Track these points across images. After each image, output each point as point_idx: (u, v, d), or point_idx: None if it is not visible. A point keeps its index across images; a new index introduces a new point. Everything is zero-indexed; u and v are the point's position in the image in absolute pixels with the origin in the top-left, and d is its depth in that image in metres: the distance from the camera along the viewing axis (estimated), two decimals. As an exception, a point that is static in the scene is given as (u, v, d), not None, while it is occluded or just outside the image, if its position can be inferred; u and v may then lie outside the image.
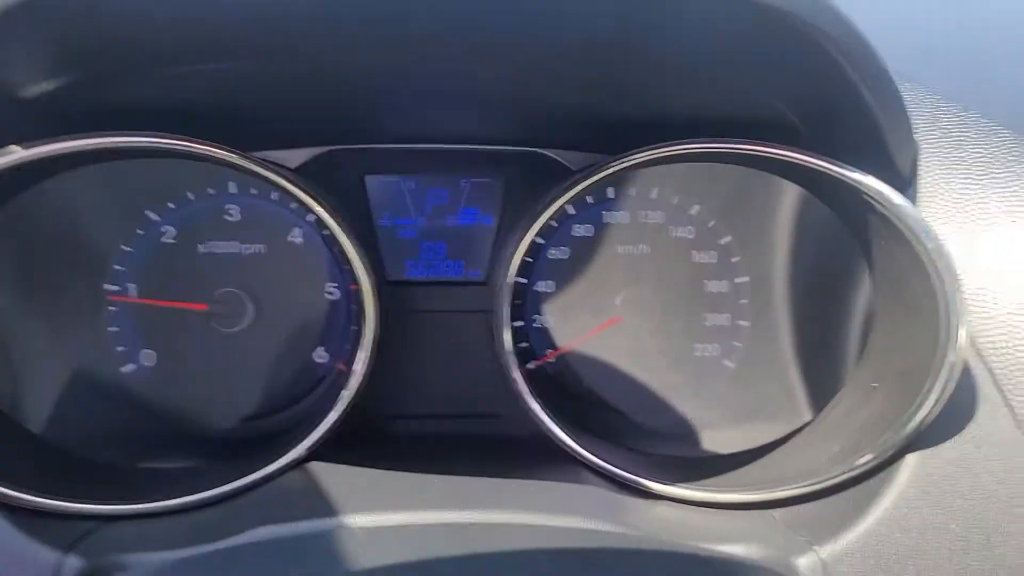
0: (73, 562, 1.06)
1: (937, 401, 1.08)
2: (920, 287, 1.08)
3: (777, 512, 1.21)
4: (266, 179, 1.28)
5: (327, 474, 1.28)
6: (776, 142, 1.16)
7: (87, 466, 1.34)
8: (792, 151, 1.14)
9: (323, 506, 1.15)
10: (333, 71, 1.22)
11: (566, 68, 1.17)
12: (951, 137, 1.27)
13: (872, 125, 1.10)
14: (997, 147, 1.25)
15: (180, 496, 1.21)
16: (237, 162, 1.23)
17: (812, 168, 1.13)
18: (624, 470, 1.30)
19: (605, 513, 1.20)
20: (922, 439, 1.11)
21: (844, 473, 1.15)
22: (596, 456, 1.32)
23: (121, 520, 1.18)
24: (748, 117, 1.19)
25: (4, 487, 1.10)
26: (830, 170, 1.11)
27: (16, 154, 1.09)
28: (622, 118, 1.35)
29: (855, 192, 1.11)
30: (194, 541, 1.09)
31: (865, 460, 1.13)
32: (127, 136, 1.15)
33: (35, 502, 1.12)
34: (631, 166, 1.27)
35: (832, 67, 0.98)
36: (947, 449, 1.11)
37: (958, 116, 1.29)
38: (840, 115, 1.11)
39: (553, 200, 1.35)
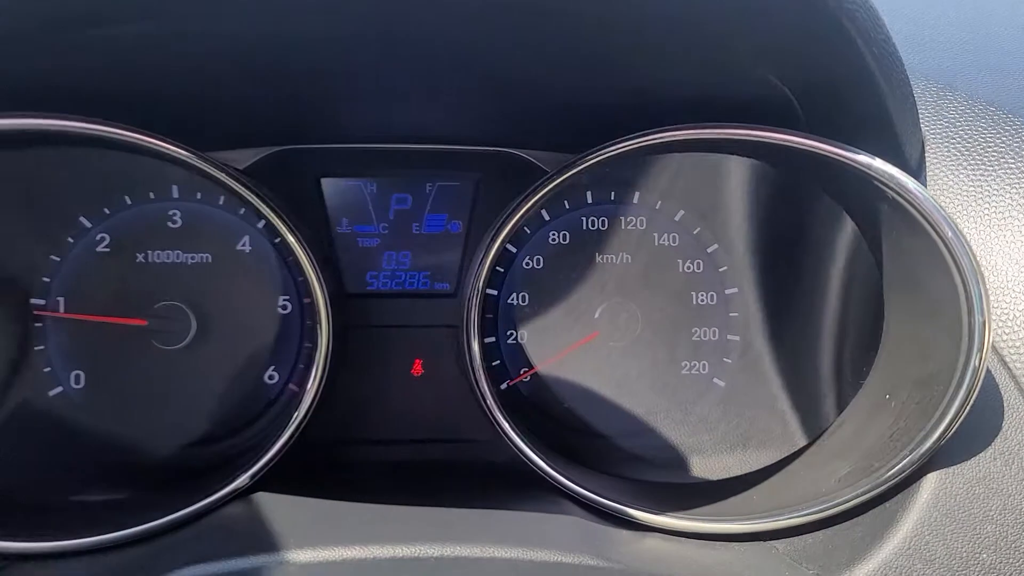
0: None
1: (959, 412, 0.96)
2: (937, 284, 0.97)
3: (780, 543, 1.09)
4: (215, 180, 1.16)
5: (272, 505, 1.15)
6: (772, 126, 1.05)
7: (9, 500, 1.20)
8: (795, 135, 1.02)
9: (265, 540, 1.02)
10: (283, 56, 1.10)
11: (544, 45, 1.06)
12: (958, 127, 1.18)
13: (880, 108, 0.99)
14: (1009, 137, 1.15)
15: (105, 532, 1.08)
16: (185, 158, 1.11)
17: (816, 154, 1.01)
18: (608, 499, 1.17)
19: (589, 546, 1.06)
20: (943, 456, 1.00)
21: (856, 497, 1.03)
22: (577, 484, 1.20)
23: (36, 559, 1.06)
24: (740, 100, 1.08)
25: None
26: (837, 154, 1.00)
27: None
28: (604, 108, 1.24)
29: (863, 179, 1.00)
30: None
31: (879, 482, 1.01)
32: (61, 120, 1.03)
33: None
34: (613, 156, 1.15)
35: (845, 41, 0.88)
36: (972, 467, 0.99)
37: (964, 106, 1.20)
38: (846, 96, 1.01)
39: (526, 202, 1.23)
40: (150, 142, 1.10)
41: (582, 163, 1.16)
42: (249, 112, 1.32)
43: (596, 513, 1.18)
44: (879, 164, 0.98)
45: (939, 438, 0.97)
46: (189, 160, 1.14)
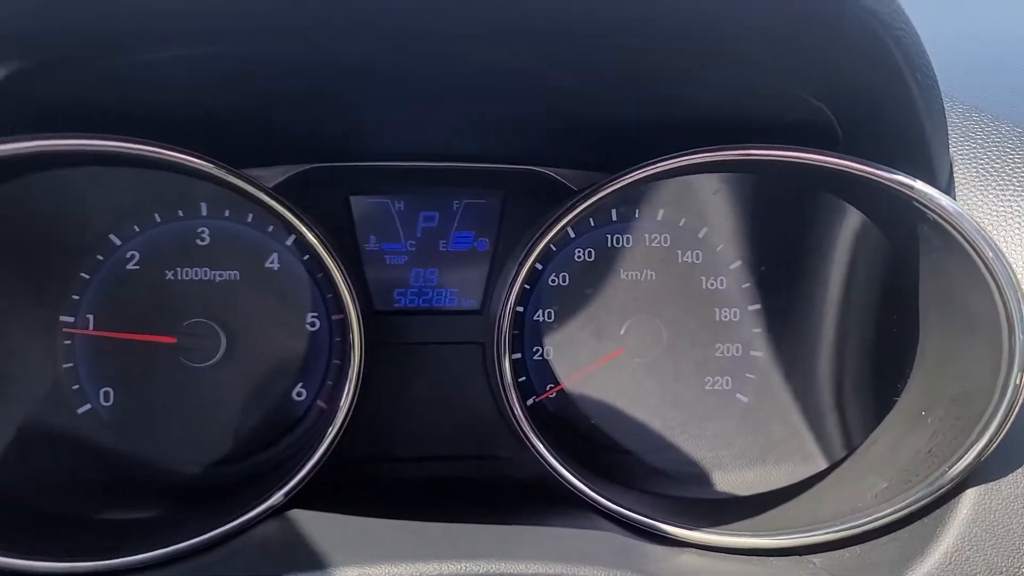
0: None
1: (1000, 429, 0.98)
2: (977, 302, 0.98)
3: (817, 558, 1.09)
4: (249, 196, 1.16)
5: (310, 522, 1.14)
6: (808, 147, 1.06)
7: (39, 519, 1.19)
8: (838, 156, 1.04)
9: (307, 557, 1.02)
10: (314, 77, 1.11)
11: (577, 68, 1.07)
12: (986, 148, 1.19)
13: (917, 130, 1.01)
14: (1036, 157, 1.17)
15: (143, 551, 1.08)
16: (219, 175, 1.11)
17: (856, 175, 1.03)
18: (642, 514, 1.18)
19: (627, 561, 1.07)
20: (982, 472, 1.00)
21: (894, 512, 1.04)
22: (609, 500, 1.20)
23: (76, 579, 1.04)
24: (778, 122, 1.10)
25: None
26: (878, 176, 1.01)
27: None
28: (632, 128, 1.25)
29: (901, 199, 1.01)
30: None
31: (918, 497, 1.02)
32: (94, 139, 1.03)
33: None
34: (645, 178, 1.16)
35: (885, 57, 0.89)
36: (1010, 483, 1.00)
37: (991, 127, 1.21)
38: (886, 118, 1.02)
39: (555, 222, 1.25)
40: (185, 159, 1.10)
41: (619, 182, 1.18)
42: (279, 131, 1.33)
43: (627, 528, 1.19)
44: (920, 185, 1.00)
45: (979, 454, 0.98)
46: (223, 177, 1.14)
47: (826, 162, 1.04)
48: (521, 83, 1.16)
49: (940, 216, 0.99)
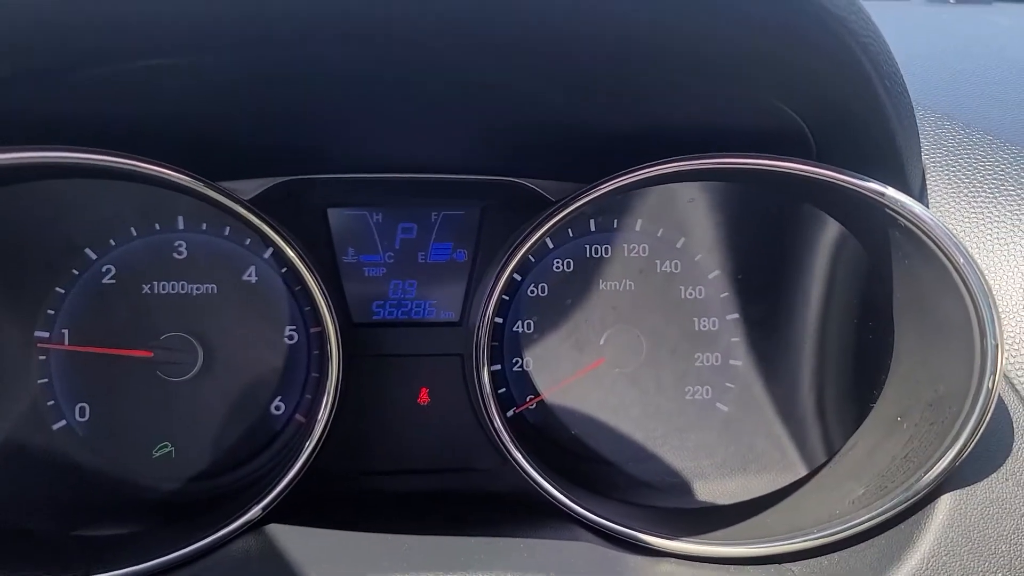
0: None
1: (973, 433, 0.98)
2: (949, 308, 0.99)
3: (796, 566, 1.09)
4: (227, 209, 1.16)
5: (289, 537, 1.14)
6: (781, 155, 1.07)
7: (13, 535, 1.18)
8: (811, 164, 1.05)
9: (287, 572, 1.01)
10: (291, 89, 1.11)
11: (554, 79, 1.07)
12: (957, 156, 1.21)
13: (888, 137, 1.02)
14: (1008, 164, 1.19)
15: (117, 567, 1.07)
16: (197, 188, 1.11)
17: (829, 183, 1.04)
18: (621, 524, 1.17)
19: (607, 572, 1.07)
20: (957, 477, 1.01)
21: (872, 518, 1.04)
22: (588, 510, 1.20)
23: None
24: (752, 130, 1.10)
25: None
26: (851, 183, 1.02)
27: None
28: (609, 138, 1.26)
29: (874, 206, 1.02)
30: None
31: (894, 503, 1.02)
32: (69, 152, 1.03)
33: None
34: (621, 187, 1.17)
35: (853, 64, 0.90)
36: (985, 488, 1.01)
37: (962, 135, 1.23)
38: (857, 126, 1.03)
39: (533, 232, 1.25)
40: (160, 171, 1.10)
41: (595, 191, 1.18)
42: (255, 143, 1.32)
43: (608, 539, 1.18)
44: (892, 192, 1.00)
45: (953, 459, 0.99)
46: (200, 190, 1.14)
47: (799, 170, 1.05)
48: (499, 95, 1.16)
49: (912, 223, 1.00)
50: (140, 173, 1.08)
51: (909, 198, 1.00)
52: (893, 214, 1.01)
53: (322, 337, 1.27)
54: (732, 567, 1.12)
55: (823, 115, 1.04)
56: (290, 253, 1.19)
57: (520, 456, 1.24)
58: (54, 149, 1.04)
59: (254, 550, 1.13)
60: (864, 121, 1.01)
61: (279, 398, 1.43)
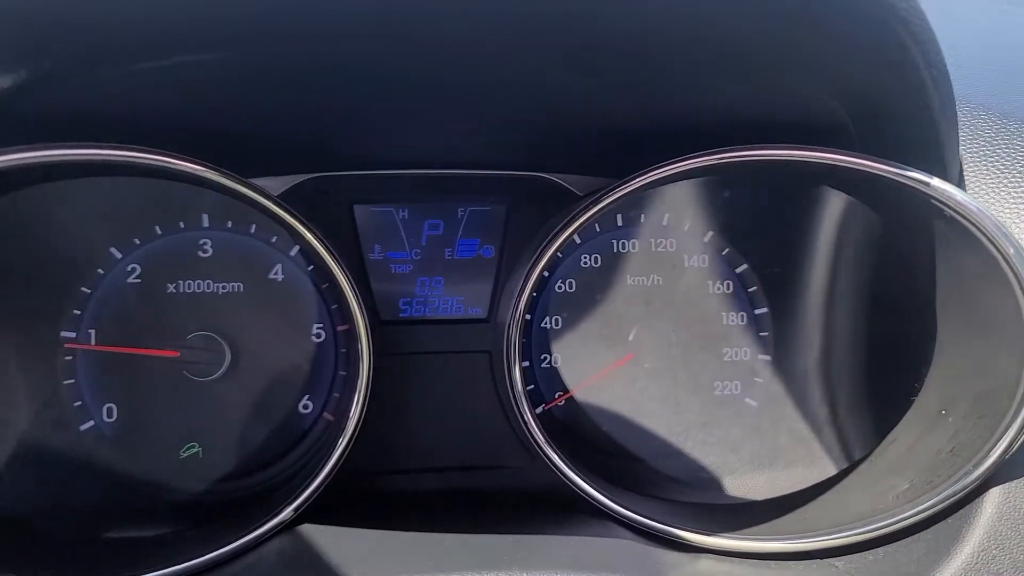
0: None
1: (1024, 427, 0.97)
2: (996, 298, 0.98)
3: (839, 561, 1.08)
4: (261, 207, 1.14)
5: (324, 537, 1.12)
6: (821, 146, 1.06)
7: (42, 538, 1.16)
8: (850, 155, 1.03)
9: (328, 571, 0.99)
10: (317, 84, 1.10)
11: (588, 73, 1.06)
12: (995, 146, 1.19)
13: (931, 128, 1.01)
14: (1046, 155, 1.17)
15: (151, 570, 1.06)
16: (228, 184, 1.09)
17: (870, 174, 1.02)
18: (658, 521, 1.16)
19: (647, 568, 1.05)
20: (1007, 469, 0.99)
21: (918, 513, 1.03)
22: (624, 507, 1.19)
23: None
24: (792, 122, 1.09)
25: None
26: (896, 174, 1.01)
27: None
28: (641, 132, 1.24)
29: (915, 197, 1.01)
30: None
31: (942, 497, 1.01)
32: (95, 149, 1.02)
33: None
34: (657, 181, 1.15)
35: (903, 53, 0.89)
36: (1035, 480, 0.99)
37: (999, 125, 1.21)
38: (900, 117, 1.01)
39: (563, 228, 1.23)
40: (194, 169, 1.08)
41: (629, 185, 1.17)
42: (281, 140, 1.31)
43: (643, 536, 1.17)
44: (936, 183, 0.99)
45: (1003, 452, 0.98)
46: (231, 186, 1.12)
47: (842, 161, 1.04)
48: (531, 90, 1.15)
49: (959, 213, 0.98)
50: (173, 170, 1.07)
51: (955, 188, 0.99)
52: (938, 204, 1.00)
53: (349, 335, 1.25)
54: (773, 563, 1.11)
55: (867, 104, 1.03)
56: (320, 250, 1.18)
57: (552, 453, 1.23)
58: (88, 147, 1.03)
59: (290, 551, 1.12)
60: (908, 111, 0.99)
61: (307, 397, 1.42)
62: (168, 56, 0.98)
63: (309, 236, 1.17)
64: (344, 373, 1.42)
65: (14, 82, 0.97)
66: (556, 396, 1.49)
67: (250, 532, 1.12)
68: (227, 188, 1.12)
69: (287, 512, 1.15)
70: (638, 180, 1.17)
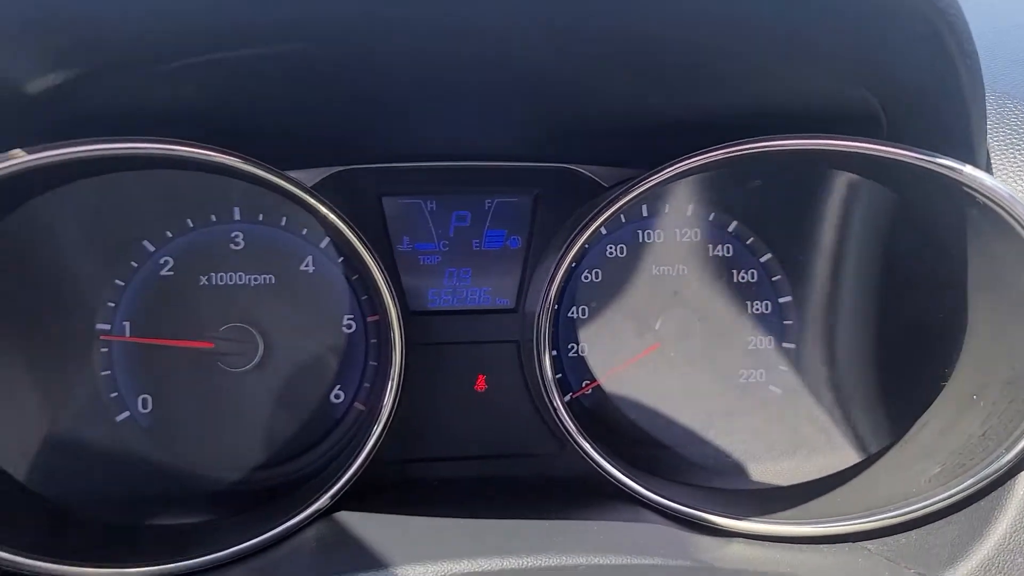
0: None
1: (1056, 410, 0.98)
2: (1028, 284, 0.99)
3: (871, 544, 1.10)
4: (296, 199, 1.16)
5: (361, 524, 1.14)
6: (851, 135, 1.07)
7: (84, 525, 1.18)
8: (881, 144, 1.04)
9: (367, 558, 1.01)
10: (347, 77, 1.11)
11: (620, 67, 1.07)
12: (1020, 134, 1.20)
13: (962, 113, 1.02)
14: (1073, 143, 1.18)
15: (193, 556, 1.08)
16: (264, 176, 1.11)
17: (902, 162, 1.03)
18: (689, 506, 1.18)
19: (682, 552, 1.07)
20: (1038, 453, 1.01)
21: (951, 496, 1.04)
22: (656, 493, 1.20)
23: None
24: (822, 112, 1.10)
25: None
26: (928, 162, 1.02)
27: (19, 159, 0.95)
28: (670, 124, 1.26)
29: (946, 185, 1.02)
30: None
31: (975, 480, 1.02)
32: (137, 143, 1.03)
33: (29, 565, 0.98)
34: (688, 171, 1.17)
35: (938, 42, 0.90)
36: (1067, 463, 1.01)
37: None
38: (931, 106, 1.02)
39: (593, 219, 1.24)
40: (230, 161, 1.10)
41: (656, 177, 1.18)
42: (310, 133, 1.33)
43: (674, 520, 1.19)
44: (969, 170, 1.00)
45: (1036, 436, 0.99)
46: (268, 178, 1.14)
47: (874, 150, 1.05)
48: (558, 84, 1.16)
49: (991, 199, 0.99)
50: (211, 162, 1.09)
51: (988, 175, 1.00)
52: (969, 192, 1.01)
53: (379, 326, 1.26)
54: (805, 546, 1.12)
55: (900, 93, 1.04)
56: (355, 241, 1.19)
57: (584, 441, 1.25)
58: (126, 141, 1.04)
59: (328, 537, 1.13)
60: (940, 99, 1.01)
61: (338, 387, 1.44)
62: (204, 54, 1.00)
63: (342, 226, 1.19)
64: (374, 363, 1.43)
65: (56, 80, 0.98)
66: (584, 385, 1.50)
67: (289, 519, 1.14)
68: (263, 179, 1.14)
69: (324, 500, 1.16)
70: (667, 171, 1.18)
